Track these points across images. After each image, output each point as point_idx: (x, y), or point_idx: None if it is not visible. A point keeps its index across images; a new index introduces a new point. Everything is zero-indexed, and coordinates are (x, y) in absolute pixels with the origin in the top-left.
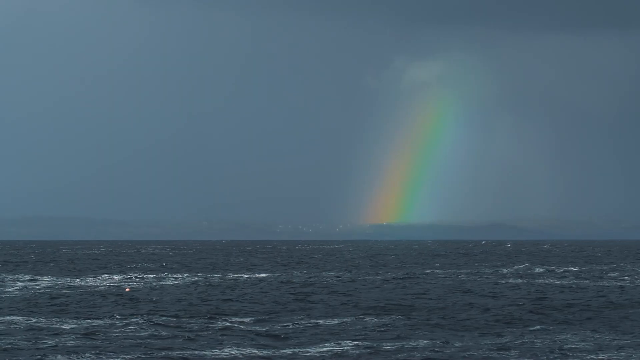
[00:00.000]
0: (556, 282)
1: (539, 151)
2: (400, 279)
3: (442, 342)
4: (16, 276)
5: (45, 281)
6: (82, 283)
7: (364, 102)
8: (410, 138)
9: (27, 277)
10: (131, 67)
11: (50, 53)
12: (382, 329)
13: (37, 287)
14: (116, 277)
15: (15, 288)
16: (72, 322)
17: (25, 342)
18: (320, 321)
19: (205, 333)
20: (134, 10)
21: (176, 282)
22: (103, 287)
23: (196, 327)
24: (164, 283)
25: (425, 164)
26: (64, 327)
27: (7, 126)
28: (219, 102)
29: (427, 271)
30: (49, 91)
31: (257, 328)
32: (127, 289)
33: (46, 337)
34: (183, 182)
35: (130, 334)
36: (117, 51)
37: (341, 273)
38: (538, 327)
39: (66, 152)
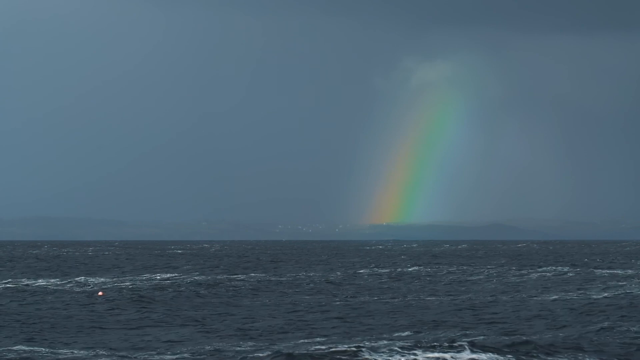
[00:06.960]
0: None
1: (540, 152)
2: None
3: None
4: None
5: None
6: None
7: (368, 102)
8: (413, 138)
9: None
10: (140, 70)
11: (61, 55)
12: None
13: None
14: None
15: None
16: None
17: None
18: None
19: None
20: (146, 12)
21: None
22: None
23: None
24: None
25: (426, 164)
26: None
27: (11, 128)
28: (224, 105)
29: None
30: (55, 93)
31: None
32: (100, 293)
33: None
34: (183, 183)
35: None
36: (128, 54)
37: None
38: None
39: (69, 154)
